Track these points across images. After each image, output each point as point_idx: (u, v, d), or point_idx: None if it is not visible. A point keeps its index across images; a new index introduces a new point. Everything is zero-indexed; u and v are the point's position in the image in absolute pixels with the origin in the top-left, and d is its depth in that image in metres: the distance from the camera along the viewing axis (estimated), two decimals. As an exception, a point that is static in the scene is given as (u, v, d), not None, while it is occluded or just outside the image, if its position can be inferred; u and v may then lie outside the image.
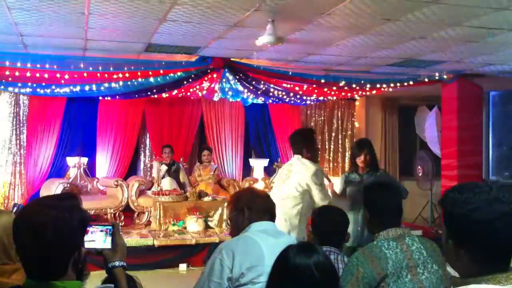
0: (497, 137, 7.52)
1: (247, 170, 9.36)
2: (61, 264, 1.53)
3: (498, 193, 1.36)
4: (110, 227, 1.85)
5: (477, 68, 7.18)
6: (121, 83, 6.58)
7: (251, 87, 7.28)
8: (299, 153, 4.25)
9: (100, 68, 6.20)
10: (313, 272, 1.64)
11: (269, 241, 2.29)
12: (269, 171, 9.15)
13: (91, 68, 6.17)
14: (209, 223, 7.32)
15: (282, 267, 1.71)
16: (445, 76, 7.59)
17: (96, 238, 1.82)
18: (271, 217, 2.51)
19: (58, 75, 6.22)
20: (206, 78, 6.98)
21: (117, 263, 1.82)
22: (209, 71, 6.66)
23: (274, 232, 2.44)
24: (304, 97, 8.30)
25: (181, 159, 8.60)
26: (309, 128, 7.92)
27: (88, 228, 1.72)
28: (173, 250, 6.47)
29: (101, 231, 1.83)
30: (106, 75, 6.33)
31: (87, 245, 1.73)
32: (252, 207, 2.47)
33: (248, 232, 2.38)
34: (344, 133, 10.07)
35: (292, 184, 4.11)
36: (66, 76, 6.26)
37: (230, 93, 7.82)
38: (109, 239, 1.83)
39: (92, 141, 8.60)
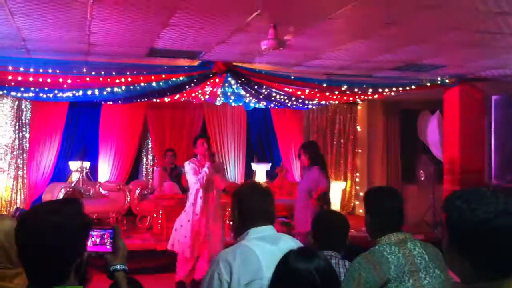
0: (499, 141, 7.48)
1: (249, 174, 9.36)
2: (63, 269, 1.53)
3: (505, 203, 1.32)
4: (111, 230, 1.84)
5: (479, 73, 7.17)
6: (123, 87, 6.59)
7: (253, 92, 7.28)
8: None
9: (102, 72, 6.20)
10: (314, 277, 1.63)
11: (267, 249, 2.18)
12: (272, 175, 9.13)
13: (93, 73, 6.18)
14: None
15: (283, 272, 1.70)
16: (447, 81, 7.57)
17: (97, 242, 1.82)
18: (270, 218, 2.33)
19: (60, 80, 6.23)
20: (208, 83, 6.98)
21: (118, 267, 1.81)
22: (211, 75, 6.66)
23: (273, 237, 2.28)
24: (306, 101, 8.30)
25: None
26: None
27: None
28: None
29: (102, 234, 1.83)
30: (108, 79, 6.33)
31: (88, 248, 1.72)
32: (248, 206, 2.31)
33: (245, 240, 2.24)
34: (346, 137, 10.07)
35: None
36: (69, 81, 6.27)
37: (232, 97, 7.82)
38: (110, 242, 1.83)
39: (95, 145, 8.62)
